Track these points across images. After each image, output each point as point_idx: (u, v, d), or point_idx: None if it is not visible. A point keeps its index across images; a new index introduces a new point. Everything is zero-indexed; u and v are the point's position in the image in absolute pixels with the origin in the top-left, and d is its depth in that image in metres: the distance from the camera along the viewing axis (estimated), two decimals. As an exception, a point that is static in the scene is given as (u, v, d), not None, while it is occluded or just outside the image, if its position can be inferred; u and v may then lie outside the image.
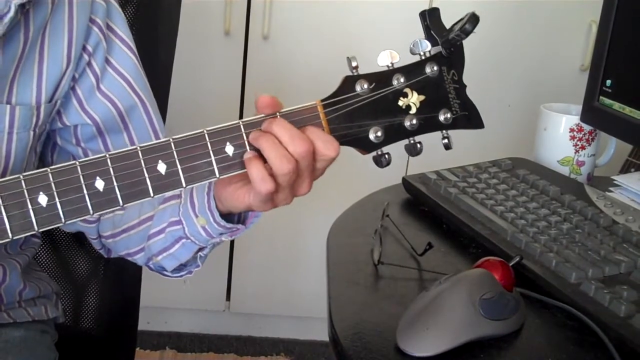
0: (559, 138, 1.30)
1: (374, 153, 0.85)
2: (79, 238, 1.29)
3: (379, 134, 0.84)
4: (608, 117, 1.24)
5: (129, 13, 1.22)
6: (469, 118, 0.87)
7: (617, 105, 1.23)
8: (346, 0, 2.17)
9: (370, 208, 1.17)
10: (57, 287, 1.21)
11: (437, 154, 1.56)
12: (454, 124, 0.86)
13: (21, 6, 0.91)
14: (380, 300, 0.94)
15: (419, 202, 1.19)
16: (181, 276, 1.05)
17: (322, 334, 1.74)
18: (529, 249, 0.99)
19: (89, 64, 1.01)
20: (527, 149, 1.38)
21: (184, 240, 0.97)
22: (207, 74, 2.21)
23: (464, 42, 0.85)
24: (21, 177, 0.77)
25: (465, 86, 0.86)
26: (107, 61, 1.02)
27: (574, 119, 1.28)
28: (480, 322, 0.81)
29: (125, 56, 1.04)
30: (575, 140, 1.28)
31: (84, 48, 1.00)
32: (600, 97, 1.26)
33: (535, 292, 0.92)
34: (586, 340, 0.84)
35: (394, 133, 0.85)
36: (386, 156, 0.85)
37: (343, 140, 0.83)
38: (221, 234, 0.93)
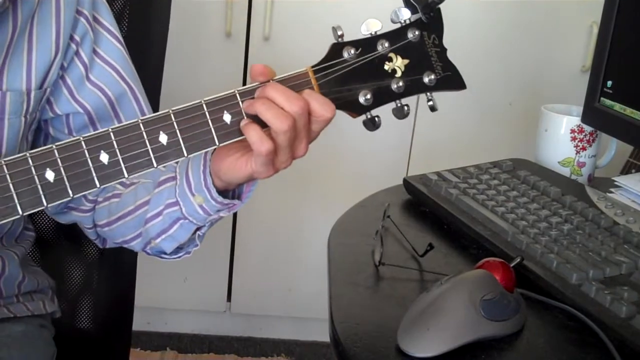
0: (560, 139, 1.30)
1: (363, 117, 0.88)
2: (73, 234, 1.29)
3: (368, 96, 0.87)
4: (609, 118, 1.25)
5: (117, 8, 1.22)
6: (452, 79, 0.90)
7: (617, 107, 1.23)
8: (347, 0, 2.17)
9: (371, 209, 1.17)
10: (53, 282, 1.22)
11: (439, 155, 1.56)
12: (437, 86, 0.89)
13: None
14: (381, 301, 0.94)
15: (420, 203, 1.19)
16: (179, 257, 1.06)
17: (322, 335, 1.74)
18: (530, 250, 0.99)
19: (77, 53, 1.03)
20: (528, 149, 1.38)
21: (182, 221, 0.97)
22: (208, 75, 2.22)
23: (449, 16, 0.88)
24: (27, 154, 0.80)
25: (446, 49, 0.89)
26: (94, 51, 1.05)
27: (575, 120, 1.29)
28: (481, 322, 0.82)
29: (112, 46, 1.06)
30: (576, 141, 1.29)
31: (71, 38, 1.02)
32: (601, 98, 1.26)
33: (536, 293, 0.92)
34: (587, 341, 0.85)
35: (382, 96, 0.88)
36: (376, 119, 0.88)
37: (335, 104, 0.86)
38: (218, 210, 0.94)
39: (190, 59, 2.15)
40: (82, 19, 1.02)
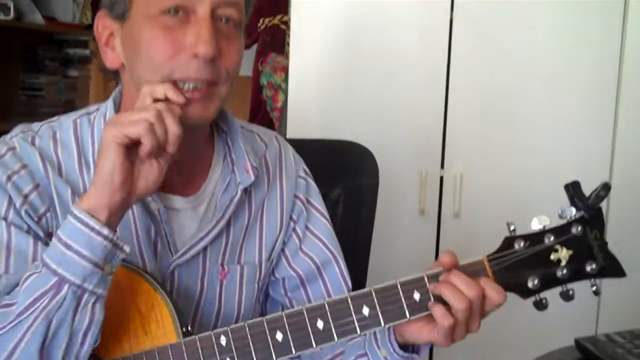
0: None
1: (532, 298, 1.02)
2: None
3: (536, 282, 1.01)
4: None
5: (334, 196, 1.45)
6: (611, 268, 1.02)
7: None
8: (525, 169, 2.28)
9: (546, 366, 1.25)
10: None
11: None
12: (599, 274, 1.02)
13: (245, 190, 1.20)
14: None
15: (590, 362, 1.26)
16: None
17: None
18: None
19: (293, 229, 1.27)
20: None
21: None
22: (403, 249, 2.33)
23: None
24: (263, 319, 1.02)
25: (607, 243, 1.02)
26: (306, 227, 1.28)
27: None
28: None
29: (320, 222, 1.30)
30: None
31: (290, 217, 1.27)
32: None
33: None
34: None
35: (549, 281, 1.02)
36: (544, 301, 1.02)
37: (506, 287, 1.01)
38: None
39: (388, 233, 2.28)
40: (298, 202, 1.28)
